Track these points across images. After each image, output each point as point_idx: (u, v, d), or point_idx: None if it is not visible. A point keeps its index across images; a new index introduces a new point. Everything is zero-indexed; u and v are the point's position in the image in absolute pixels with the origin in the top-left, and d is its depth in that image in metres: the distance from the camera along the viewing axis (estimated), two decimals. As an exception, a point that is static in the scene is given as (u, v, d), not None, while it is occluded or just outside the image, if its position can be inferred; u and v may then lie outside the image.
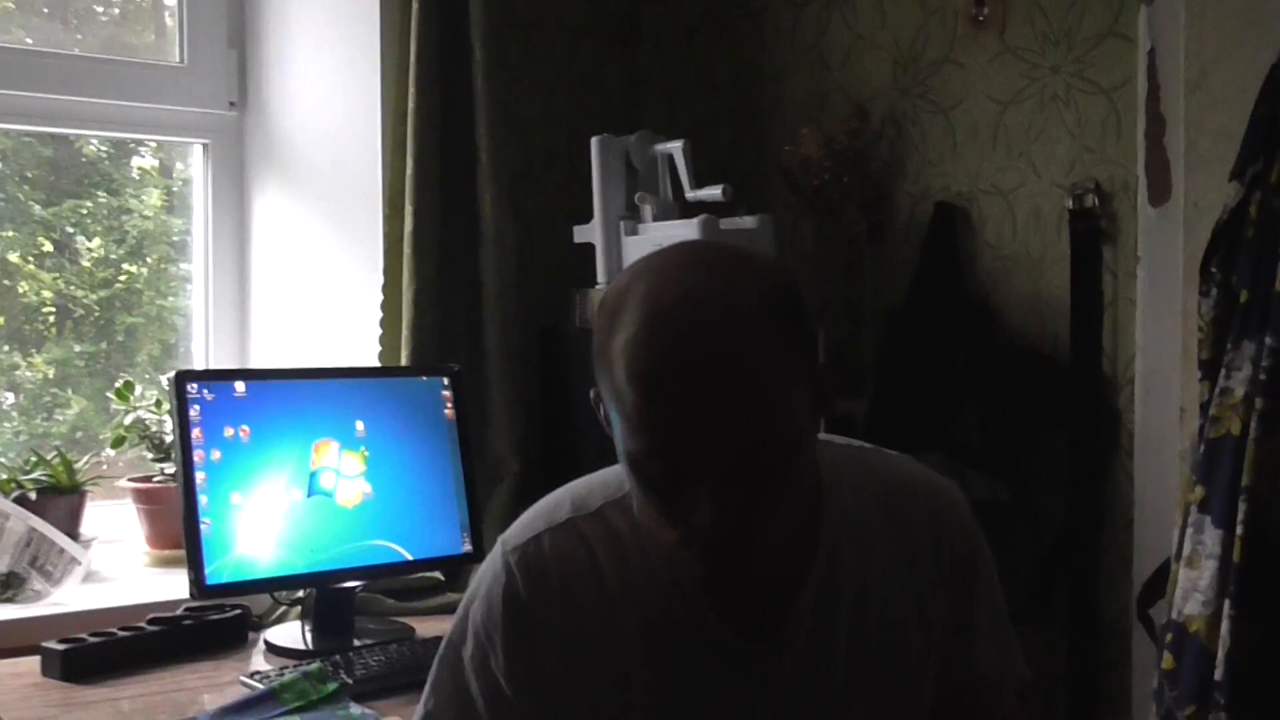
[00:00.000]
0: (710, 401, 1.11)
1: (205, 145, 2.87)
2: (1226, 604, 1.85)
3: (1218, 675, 1.83)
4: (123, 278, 2.87)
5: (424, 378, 2.37)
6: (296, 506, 2.14)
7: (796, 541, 1.28)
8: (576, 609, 1.27)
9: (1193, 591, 1.91)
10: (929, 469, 1.42)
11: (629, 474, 1.20)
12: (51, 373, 2.77)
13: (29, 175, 2.78)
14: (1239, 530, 1.84)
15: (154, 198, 2.91)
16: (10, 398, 2.72)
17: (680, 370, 1.11)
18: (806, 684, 1.29)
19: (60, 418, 2.76)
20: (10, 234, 2.73)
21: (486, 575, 1.32)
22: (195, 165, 2.90)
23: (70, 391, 2.78)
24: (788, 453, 1.15)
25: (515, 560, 1.29)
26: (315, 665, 1.92)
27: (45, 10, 2.78)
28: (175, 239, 2.92)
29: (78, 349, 2.80)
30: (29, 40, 2.72)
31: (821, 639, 1.29)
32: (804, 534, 1.29)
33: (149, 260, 2.90)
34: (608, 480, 1.33)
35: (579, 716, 1.28)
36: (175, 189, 2.92)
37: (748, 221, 2.45)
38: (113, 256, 2.86)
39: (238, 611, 2.18)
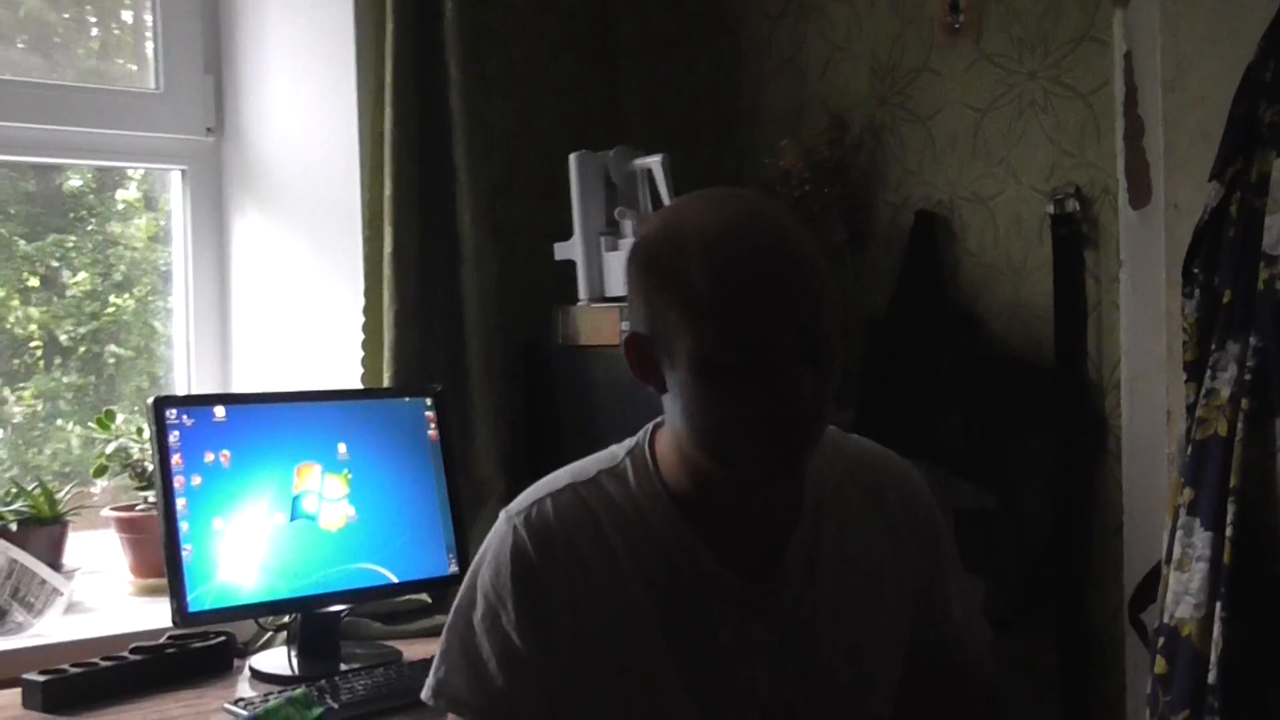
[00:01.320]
0: (795, 287, 1.25)
1: (184, 171, 2.86)
2: (1218, 606, 1.83)
3: (1211, 678, 1.82)
4: (109, 310, 2.85)
5: (407, 398, 2.36)
6: (279, 531, 2.13)
7: (785, 498, 1.40)
8: (581, 563, 1.35)
9: (1184, 595, 1.89)
10: (888, 449, 1.56)
11: (693, 386, 1.28)
12: (39, 406, 2.76)
13: (11, 211, 2.76)
14: (1228, 532, 1.83)
15: (139, 229, 2.90)
16: (-1, 432, 2.71)
17: (764, 267, 1.25)
18: (800, 627, 1.39)
19: (48, 450, 2.75)
20: (-5, 270, 2.72)
21: (493, 541, 1.40)
22: (174, 191, 2.88)
23: (58, 424, 2.77)
24: (837, 344, 1.30)
25: (520, 522, 1.37)
26: (300, 690, 1.89)
27: (22, 45, 2.76)
28: (163, 269, 2.91)
29: (65, 381, 2.79)
30: (5, 74, 2.70)
31: (809, 586, 1.40)
32: (791, 492, 1.40)
33: (135, 293, 2.89)
34: (601, 456, 1.44)
35: (588, 665, 1.35)
36: (160, 221, 2.91)
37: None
38: (99, 289, 2.85)
39: (222, 639, 2.16)
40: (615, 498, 1.38)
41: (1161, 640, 1.92)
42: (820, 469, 1.42)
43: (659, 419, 1.43)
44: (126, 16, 2.91)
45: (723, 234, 1.27)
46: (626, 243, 2.53)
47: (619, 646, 1.35)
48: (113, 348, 2.85)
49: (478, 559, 1.41)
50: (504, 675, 1.34)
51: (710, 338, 1.25)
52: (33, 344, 2.76)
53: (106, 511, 2.59)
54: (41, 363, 2.78)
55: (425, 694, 1.41)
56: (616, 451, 1.44)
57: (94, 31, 2.91)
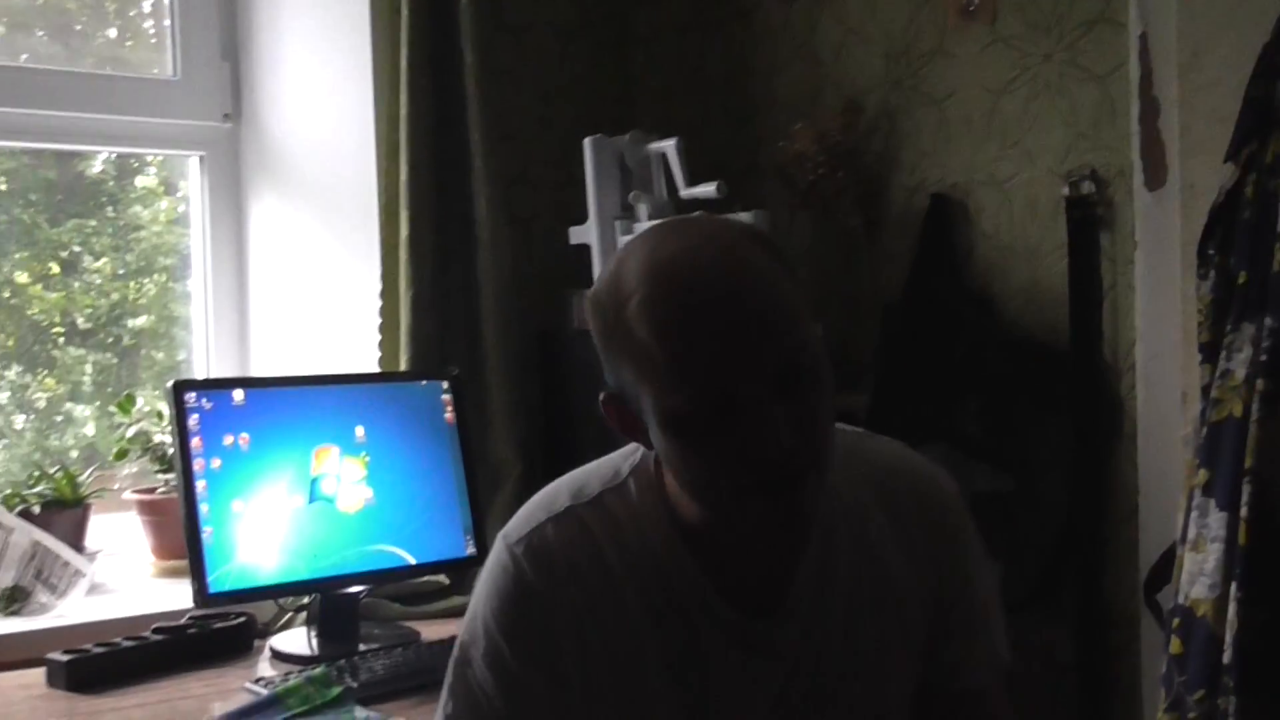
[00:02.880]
0: (739, 324, 1.14)
1: (201, 158, 2.88)
2: (1233, 587, 1.83)
3: (1226, 659, 1.82)
4: (130, 295, 2.87)
5: (423, 382, 2.37)
6: (298, 513, 2.15)
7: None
8: (584, 592, 1.29)
9: (1198, 575, 1.89)
10: (916, 453, 1.44)
11: (670, 444, 1.20)
12: (60, 390, 2.78)
13: (33, 198, 2.78)
14: (1243, 512, 1.83)
15: (159, 215, 2.91)
16: (20, 417, 2.72)
17: (701, 303, 1.14)
18: (807, 659, 1.32)
19: (69, 435, 2.77)
20: (17, 255, 2.74)
21: (494, 570, 1.33)
22: (192, 178, 2.90)
23: (79, 409, 2.79)
24: (818, 364, 1.18)
25: (521, 551, 1.30)
26: (319, 670, 1.92)
27: (42, 34, 2.78)
28: (183, 254, 2.92)
29: (87, 366, 2.81)
30: (25, 62, 2.72)
31: (821, 615, 1.32)
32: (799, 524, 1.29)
33: (155, 278, 2.91)
34: (603, 469, 1.36)
35: (592, 697, 1.30)
36: (179, 207, 2.93)
37: (743, 218, 2.44)
38: (120, 273, 2.86)
39: (242, 619, 2.18)
40: (619, 519, 1.31)
41: (1177, 621, 1.93)
42: (837, 481, 1.30)
43: None
44: (145, 4, 2.93)
45: (660, 279, 1.16)
46: (641, 227, 2.54)
47: (621, 674, 1.30)
48: (132, 330, 2.87)
49: (478, 587, 1.35)
50: (510, 710, 1.29)
51: (667, 393, 1.16)
52: (54, 330, 2.79)
53: (128, 494, 2.61)
54: (63, 348, 2.80)
55: None
56: (620, 467, 1.34)
57: (112, 19, 2.93)
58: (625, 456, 1.36)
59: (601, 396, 1.26)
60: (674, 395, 1.16)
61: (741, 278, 1.16)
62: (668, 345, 1.15)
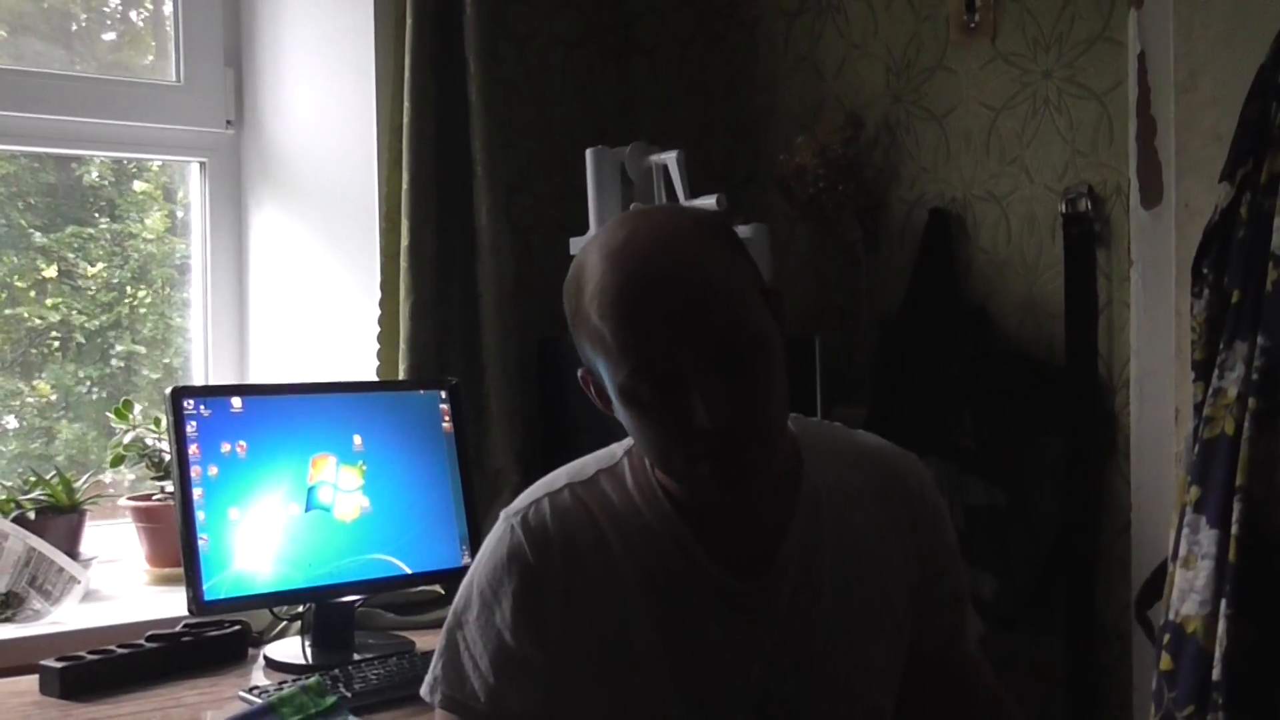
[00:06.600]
0: (676, 305, 1.25)
1: (203, 164, 2.89)
2: (1223, 604, 1.84)
3: (1215, 675, 1.83)
4: (127, 301, 2.88)
5: (421, 391, 2.37)
6: (294, 521, 2.15)
7: (779, 491, 1.41)
8: (577, 561, 1.37)
9: (1189, 592, 1.90)
10: (891, 443, 1.56)
11: (627, 416, 1.31)
12: (54, 397, 2.78)
13: (31, 202, 2.79)
14: (1234, 530, 1.84)
15: (157, 222, 2.92)
16: (13, 421, 2.73)
17: (642, 288, 1.26)
18: (797, 622, 1.39)
19: (62, 440, 2.77)
20: (13, 260, 2.74)
21: (490, 541, 1.41)
22: (193, 183, 2.91)
23: (73, 414, 2.79)
24: (759, 343, 1.28)
25: (517, 522, 1.39)
26: (314, 679, 1.92)
27: (43, 36, 2.78)
28: (179, 262, 2.93)
29: (81, 373, 2.81)
30: (26, 65, 2.72)
31: (808, 581, 1.40)
32: (786, 486, 1.41)
33: (153, 285, 2.91)
34: (601, 455, 1.46)
35: (582, 663, 1.36)
36: (179, 214, 2.93)
37: (743, 230, 2.44)
38: (115, 280, 2.87)
39: (237, 627, 2.18)
40: (612, 497, 1.40)
41: (1167, 637, 1.94)
42: (820, 462, 1.44)
43: None
44: (147, 9, 2.94)
45: (608, 269, 1.28)
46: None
47: (613, 644, 1.36)
48: (130, 337, 2.87)
49: (476, 559, 1.42)
50: (496, 674, 1.36)
51: (619, 371, 1.27)
52: (50, 335, 2.79)
53: (123, 501, 2.61)
54: (58, 354, 2.80)
55: (423, 690, 1.43)
56: (615, 451, 1.45)
57: (115, 24, 2.93)
58: (622, 445, 1.45)
59: (579, 372, 1.37)
60: (623, 371, 1.27)
61: (680, 263, 1.27)
62: (614, 329, 1.26)
